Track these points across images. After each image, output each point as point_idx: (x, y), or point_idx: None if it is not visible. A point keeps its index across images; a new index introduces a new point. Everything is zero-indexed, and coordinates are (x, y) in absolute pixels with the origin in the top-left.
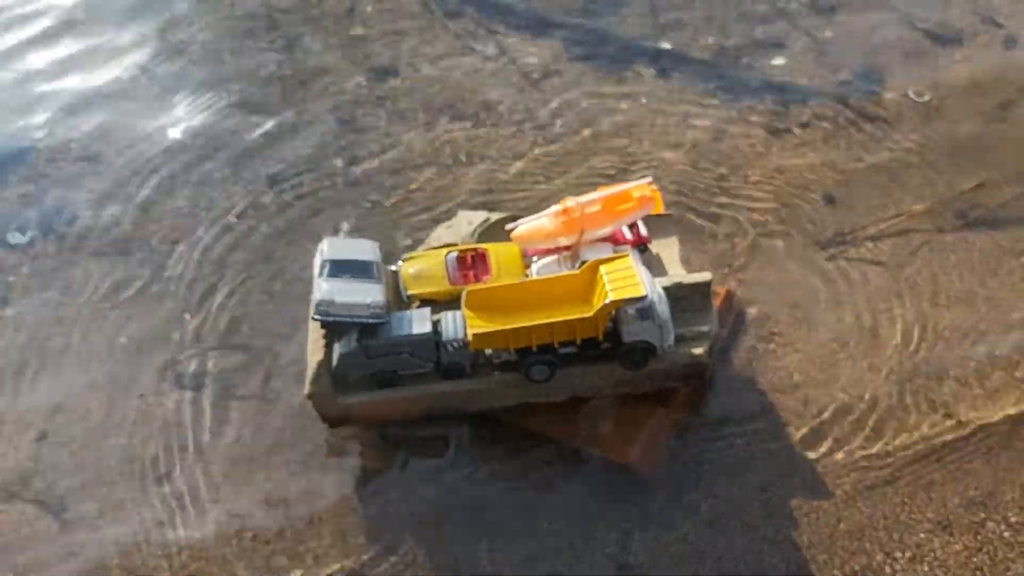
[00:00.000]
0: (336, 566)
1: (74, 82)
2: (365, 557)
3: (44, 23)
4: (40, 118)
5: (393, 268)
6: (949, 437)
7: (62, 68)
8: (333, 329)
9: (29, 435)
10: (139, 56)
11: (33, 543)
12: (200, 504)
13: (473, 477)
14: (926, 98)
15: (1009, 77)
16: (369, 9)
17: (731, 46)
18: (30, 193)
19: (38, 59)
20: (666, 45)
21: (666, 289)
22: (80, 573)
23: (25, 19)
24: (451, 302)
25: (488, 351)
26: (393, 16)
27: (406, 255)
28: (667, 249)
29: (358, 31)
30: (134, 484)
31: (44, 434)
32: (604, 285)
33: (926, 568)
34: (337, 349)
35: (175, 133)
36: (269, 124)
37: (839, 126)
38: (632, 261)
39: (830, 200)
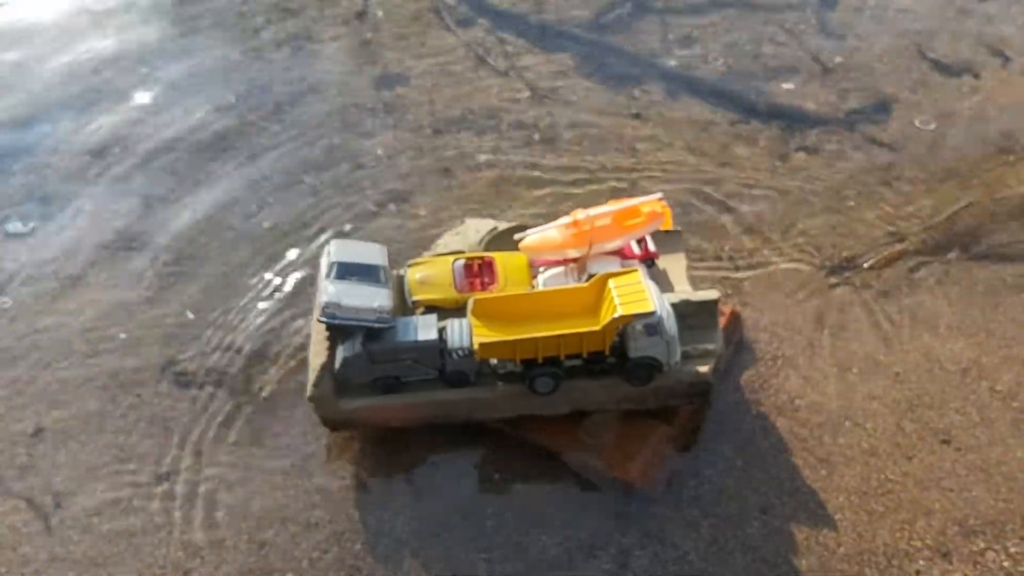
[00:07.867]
0: (331, 573)
1: (85, 74)
2: (362, 563)
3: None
4: (47, 109)
5: (399, 273)
6: (949, 466)
7: (74, 60)
8: (337, 332)
9: (25, 429)
10: (153, 57)
11: (22, 540)
12: (195, 506)
13: (473, 489)
14: (932, 127)
15: (1016, 110)
16: (380, 14)
17: (741, 68)
18: (33, 184)
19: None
20: (675, 63)
21: (674, 306)
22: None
23: None
24: (456, 310)
25: (492, 361)
26: (403, 22)
27: (412, 260)
28: (674, 265)
29: (367, 35)
30: (130, 483)
31: (40, 429)
32: (613, 299)
33: None
34: (340, 352)
35: (182, 131)
36: (275, 127)
37: (845, 151)
38: (641, 276)
39: (836, 226)
